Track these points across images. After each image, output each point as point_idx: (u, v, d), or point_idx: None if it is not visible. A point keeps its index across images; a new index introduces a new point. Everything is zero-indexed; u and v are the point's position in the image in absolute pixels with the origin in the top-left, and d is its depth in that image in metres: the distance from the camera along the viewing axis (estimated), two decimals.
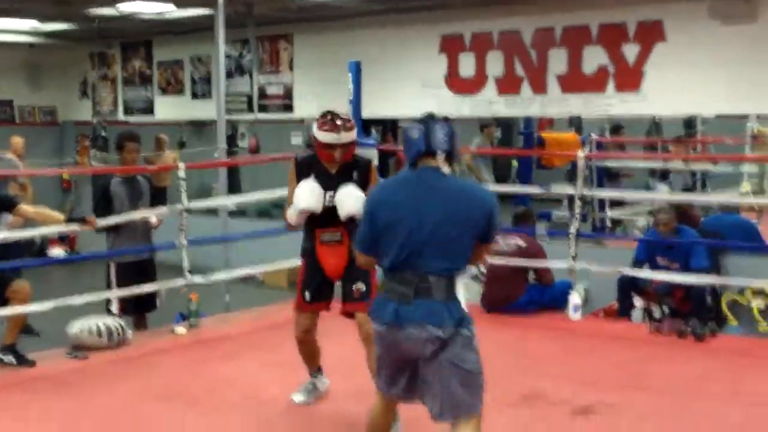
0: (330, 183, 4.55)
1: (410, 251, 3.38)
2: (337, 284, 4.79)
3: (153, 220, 6.71)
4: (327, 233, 4.63)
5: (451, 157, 3.50)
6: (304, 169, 4.65)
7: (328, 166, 4.60)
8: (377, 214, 3.48)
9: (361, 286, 4.58)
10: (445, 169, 3.48)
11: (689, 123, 11.12)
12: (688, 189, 10.55)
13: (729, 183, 10.38)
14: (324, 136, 4.51)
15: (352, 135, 4.55)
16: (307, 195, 4.51)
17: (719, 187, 10.34)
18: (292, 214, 4.61)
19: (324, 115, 4.58)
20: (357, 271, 4.44)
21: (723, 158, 10.54)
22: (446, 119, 3.55)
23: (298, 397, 5.00)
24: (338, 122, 4.51)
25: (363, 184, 4.57)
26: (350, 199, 4.48)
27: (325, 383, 5.09)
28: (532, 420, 4.78)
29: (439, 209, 3.39)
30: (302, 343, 4.89)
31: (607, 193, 8.91)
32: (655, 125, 11.96)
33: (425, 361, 3.41)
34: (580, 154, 7.29)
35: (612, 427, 4.69)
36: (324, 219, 4.58)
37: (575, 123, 11.75)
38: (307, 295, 4.75)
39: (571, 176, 11.14)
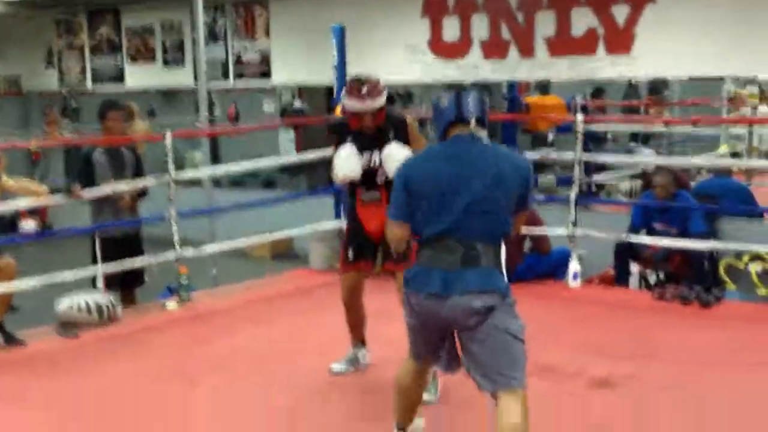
0: (368, 144, 4.54)
1: (455, 219, 3.32)
2: None
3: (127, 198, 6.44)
4: (367, 193, 4.63)
5: (482, 123, 3.46)
6: (339, 133, 4.66)
7: (362, 130, 4.55)
8: (414, 185, 3.40)
9: None
10: (480, 134, 3.44)
11: (663, 85, 11.07)
12: (670, 152, 10.52)
13: (708, 146, 10.35)
14: (350, 105, 4.48)
15: (379, 101, 4.48)
16: (344, 163, 4.54)
17: (699, 150, 10.30)
18: (336, 179, 4.69)
19: (351, 81, 4.55)
20: None
21: (706, 120, 10.48)
22: (476, 88, 3.56)
23: (337, 367, 4.91)
24: (363, 90, 4.45)
25: (404, 142, 4.54)
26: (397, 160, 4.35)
27: (365, 357, 4.94)
28: (549, 393, 4.61)
29: (481, 175, 3.34)
30: (347, 307, 4.78)
31: (608, 158, 8.81)
32: (631, 87, 11.91)
33: (469, 330, 3.32)
34: (579, 117, 7.10)
35: (632, 398, 4.56)
36: (363, 180, 4.59)
37: (540, 87, 11.65)
38: (350, 253, 4.69)
39: (542, 142, 11.07)
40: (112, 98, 7.33)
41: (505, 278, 3.40)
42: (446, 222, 3.32)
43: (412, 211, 3.40)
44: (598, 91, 11.13)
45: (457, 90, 3.53)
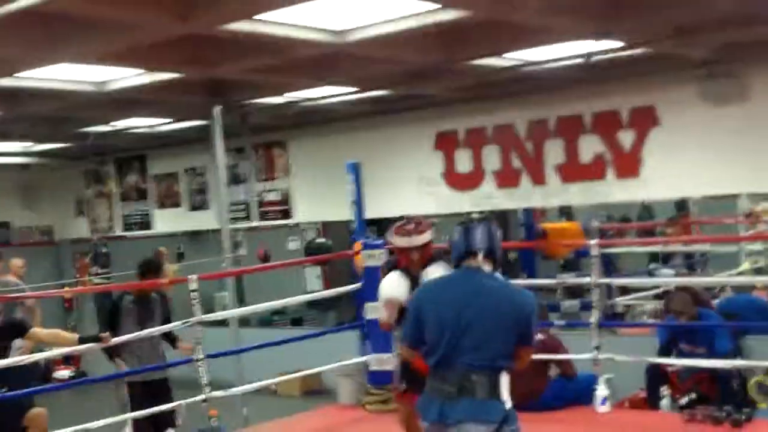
0: (415, 281, 4.75)
1: (453, 349, 3.45)
2: None
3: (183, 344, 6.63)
4: None
5: (492, 255, 3.63)
6: (389, 270, 4.98)
7: (410, 267, 4.84)
8: (423, 312, 3.59)
9: None
10: (486, 267, 3.61)
11: (681, 205, 11.21)
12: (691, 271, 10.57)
13: (728, 263, 10.37)
14: (398, 241, 4.85)
15: (425, 237, 4.81)
16: (389, 287, 4.85)
17: (719, 268, 10.33)
18: (381, 310, 4.89)
19: (398, 220, 4.96)
20: None
21: (723, 239, 10.59)
22: (486, 220, 3.77)
23: None
24: (409, 227, 4.84)
25: None
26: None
27: None
28: None
29: (480, 308, 3.49)
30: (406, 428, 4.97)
31: (625, 281, 8.85)
32: (645, 208, 12.04)
33: None
34: (593, 242, 7.20)
35: None
36: None
37: (566, 212, 11.82)
38: (403, 385, 4.91)
39: (569, 266, 11.15)
40: (152, 259, 7.60)
41: (507, 407, 3.47)
42: (445, 351, 3.46)
43: (422, 337, 3.57)
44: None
45: (467, 224, 3.71)
